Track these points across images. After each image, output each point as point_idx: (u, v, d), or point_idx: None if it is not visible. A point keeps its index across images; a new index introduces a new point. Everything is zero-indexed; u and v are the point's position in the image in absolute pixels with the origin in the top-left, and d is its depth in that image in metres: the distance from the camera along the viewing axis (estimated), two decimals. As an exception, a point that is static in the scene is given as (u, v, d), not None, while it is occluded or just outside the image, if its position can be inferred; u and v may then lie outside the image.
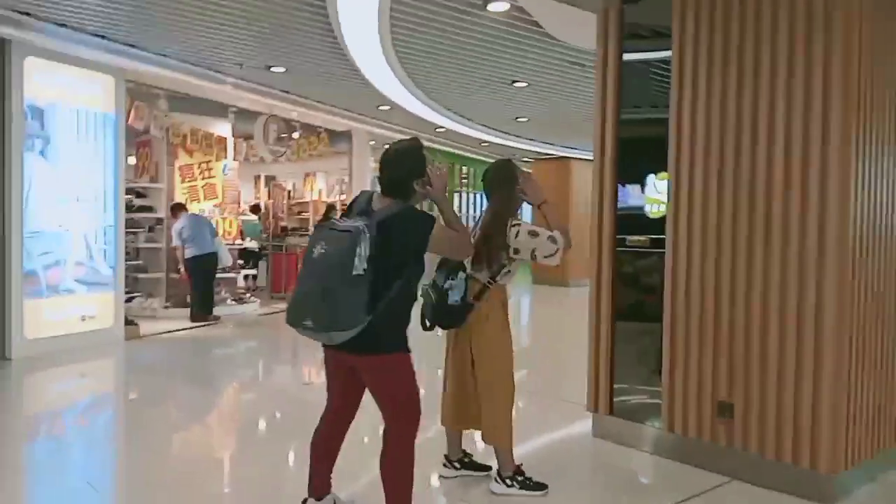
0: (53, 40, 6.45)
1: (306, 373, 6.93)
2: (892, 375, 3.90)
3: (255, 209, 13.15)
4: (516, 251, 3.45)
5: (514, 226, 3.45)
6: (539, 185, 3.62)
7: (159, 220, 9.80)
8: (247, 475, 4.01)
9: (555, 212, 3.58)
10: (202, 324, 8.92)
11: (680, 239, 4.02)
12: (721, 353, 3.84)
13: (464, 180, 17.54)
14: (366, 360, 2.82)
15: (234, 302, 10.10)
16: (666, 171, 4.11)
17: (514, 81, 8.20)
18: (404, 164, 2.88)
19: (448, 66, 7.52)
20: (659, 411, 4.11)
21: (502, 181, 3.58)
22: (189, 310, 9.13)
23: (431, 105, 9.82)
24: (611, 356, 4.38)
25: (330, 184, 13.98)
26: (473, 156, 15.96)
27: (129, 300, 8.94)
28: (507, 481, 3.52)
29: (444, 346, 3.72)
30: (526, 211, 5.17)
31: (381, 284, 2.69)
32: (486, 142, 13.79)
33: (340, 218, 2.93)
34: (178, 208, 9.34)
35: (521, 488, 3.51)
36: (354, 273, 2.58)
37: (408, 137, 3.04)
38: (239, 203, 11.41)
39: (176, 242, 9.04)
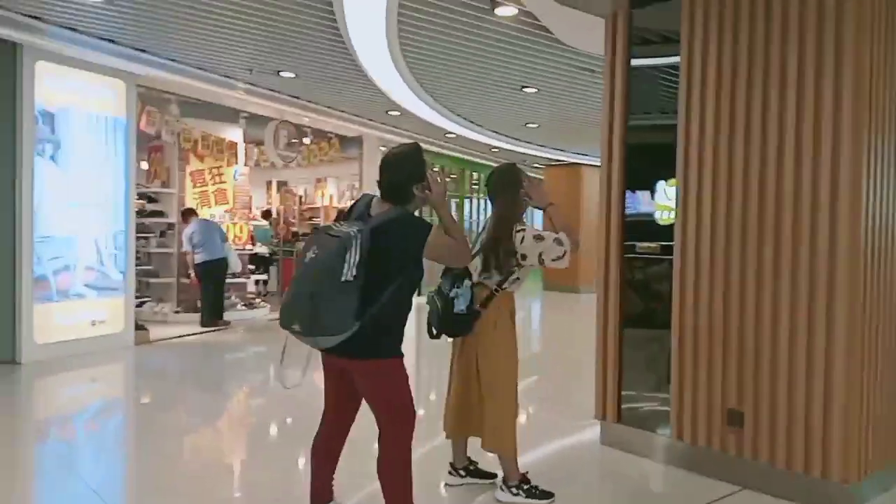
0: (64, 45, 6.49)
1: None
2: (905, 384, 3.84)
3: (266, 215, 13.20)
4: (524, 257, 3.42)
5: (518, 231, 3.42)
6: (544, 188, 3.60)
7: (170, 225, 9.85)
8: (257, 479, 4.00)
9: (560, 214, 3.56)
10: (212, 328, 8.95)
11: (688, 245, 3.98)
12: (730, 361, 3.79)
13: (474, 186, 17.53)
14: (358, 364, 2.80)
15: (244, 307, 10.12)
16: (675, 177, 4.07)
17: (524, 87, 8.17)
18: (404, 169, 2.86)
19: (457, 71, 7.50)
20: (668, 419, 4.07)
21: (506, 185, 3.55)
22: (199, 315, 9.16)
23: (440, 110, 9.81)
24: (619, 364, 4.34)
25: (341, 189, 14.01)
26: (484, 161, 15.94)
27: (140, 305, 8.99)
28: (513, 489, 3.49)
29: (451, 352, 3.69)
30: (537, 218, 5.14)
31: (373, 290, 2.67)
32: (496, 148, 13.75)
33: (339, 222, 2.92)
34: (188, 213, 9.39)
35: (526, 496, 3.48)
36: (343, 279, 2.57)
37: (409, 142, 3.02)
38: (250, 208, 11.45)
39: (186, 247, 9.08)
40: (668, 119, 4.09)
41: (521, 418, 5.12)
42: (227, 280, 9.51)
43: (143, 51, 6.94)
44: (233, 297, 9.97)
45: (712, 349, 3.86)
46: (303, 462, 4.11)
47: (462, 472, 3.70)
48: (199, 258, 8.96)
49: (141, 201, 10.02)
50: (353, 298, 2.60)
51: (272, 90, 8.65)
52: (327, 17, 5.73)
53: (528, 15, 5.49)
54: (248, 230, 10.76)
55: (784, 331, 3.58)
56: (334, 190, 14.18)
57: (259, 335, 9.05)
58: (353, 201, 3.19)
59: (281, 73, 7.68)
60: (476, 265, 3.50)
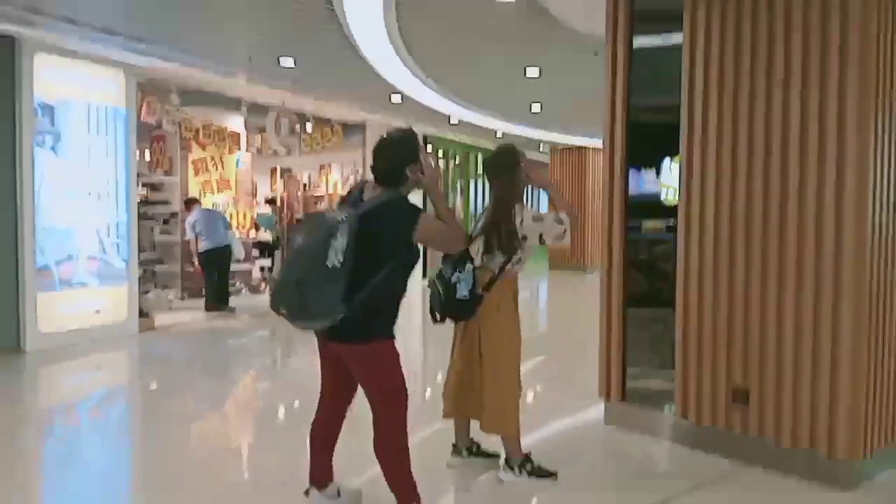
0: (62, 36, 6.46)
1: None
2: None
3: (270, 202, 13.17)
4: (524, 237, 3.40)
5: (517, 213, 3.39)
6: (541, 170, 3.56)
7: (174, 214, 9.87)
8: (264, 463, 4.01)
9: (559, 194, 3.55)
10: (217, 315, 8.97)
11: (692, 223, 3.93)
12: (735, 339, 3.76)
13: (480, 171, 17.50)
14: (350, 348, 2.81)
15: (249, 293, 10.14)
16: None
17: (527, 69, 8.09)
18: (397, 152, 2.84)
19: (457, 53, 7.42)
20: (672, 398, 4.04)
21: (503, 167, 3.52)
22: (203, 301, 9.18)
23: (443, 94, 9.73)
24: (623, 343, 4.31)
25: (344, 176, 13.97)
26: (489, 146, 15.88)
27: (144, 292, 9.02)
28: (516, 469, 3.48)
29: (453, 333, 3.66)
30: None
31: (364, 274, 2.66)
32: (501, 132, 13.67)
33: (334, 208, 2.90)
34: (191, 202, 9.40)
35: (529, 476, 3.47)
36: (329, 265, 2.57)
37: (404, 126, 3.00)
38: (253, 195, 11.44)
39: (189, 235, 9.11)
40: (672, 98, 4.02)
41: (526, 398, 5.13)
42: (232, 267, 9.52)
43: (141, 41, 6.89)
44: (237, 284, 9.98)
45: (717, 327, 3.83)
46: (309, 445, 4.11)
47: (464, 453, 3.69)
48: (202, 246, 8.98)
49: (143, 192, 10.04)
50: (340, 284, 2.60)
51: (272, 77, 8.59)
52: (324, 2, 5.67)
53: (527, -6, 5.42)
54: (251, 217, 10.76)
55: (790, 307, 3.54)
56: (338, 176, 14.13)
57: (263, 320, 9.04)
58: (350, 187, 3.16)
59: (280, 61, 7.62)
60: (477, 248, 3.47)
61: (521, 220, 3.38)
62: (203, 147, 10.01)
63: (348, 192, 3.04)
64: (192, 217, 9.09)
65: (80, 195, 7.04)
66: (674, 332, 4.02)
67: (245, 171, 10.76)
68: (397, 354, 2.84)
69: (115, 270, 7.41)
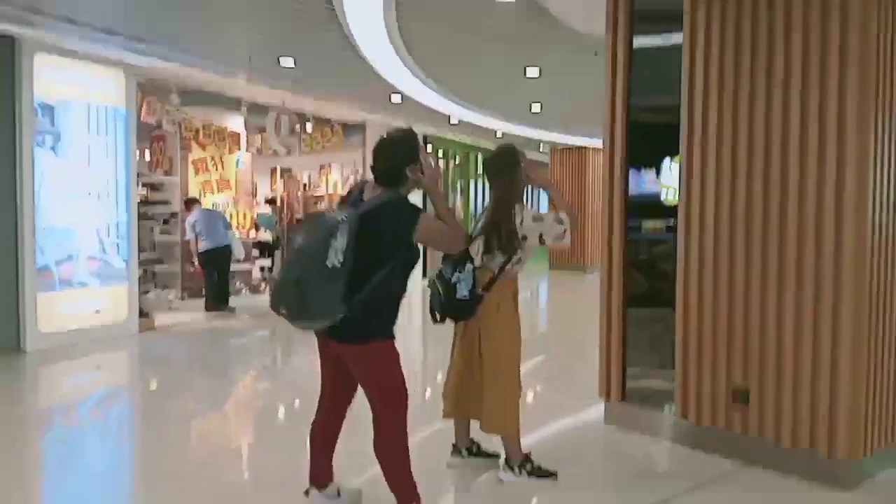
0: (62, 36, 6.46)
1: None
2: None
3: (270, 202, 13.17)
4: (524, 237, 3.40)
5: (517, 213, 3.39)
6: (541, 169, 3.56)
7: (174, 214, 9.86)
8: (265, 463, 4.01)
9: (559, 193, 3.55)
10: (217, 315, 8.97)
11: (692, 223, 3.93)
12: (735, 339, 3.75)
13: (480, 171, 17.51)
14: (350, 348, 2.81)
15: (249, 293, 10.14)
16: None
17: (527, 69, 8.09)
18: (397, 152, 2.84)
19: (456, 53, 7.42)
20: (672, 398, 4.04)
21: (503, 167, 3.52)
22: (203, 301, 9.18)
23: (443, 94, 9.73)
24: (622, 343, 4.31)
25: (344, 176, 13.96)
26: (490, 146, 15.87)
27: (145, 292, 9.02)
28: (516, 469, 3.48)
29: (453, 333, 3.66)
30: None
31: (363, 274, 2.67)
32: (501, 132, 13.66)
33: (335, 208, 2.90)
34: (191, 202, 9.40)
35: (529, 476, 3.46)
36: (329, 265, 2.57)
37: (404, 126, 3.00)
38: (253, 195, 11.44)
39: (189, 235, 9.10)
40: (672, 98, 4.02)
41: (526, 398, 5.12)
42: (232, 267, 9.52)
43: (141, 41, 6.89)
44: (238, 284, 9.98)
45: (717, 327, 3.82)
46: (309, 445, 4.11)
47: (464, 453, 3.69)
48: (202, 246, 8.98)
49: (143, 192, 10.03)
50: (339, 284, 2.60)
51: (272, 77, 8.59)
52: (324, 2, 5.66)
53: (527, -6, 5.42)
54: (251, 217, 10.75)
55: (790, 307, 3.54)
56: (338, 176, 14.13)
57: (263, 320, 9.03)
58: (350, 187, 3.16)
59: (280, 61, 7.62)
60: (477, 248, 3.47)
61: (521, 220, 3.38)
62: (203, 147, 10.01)
63: (348, 193, 3.04)
64: (192, 217, 9.09)
65: (80, 195, 7.04)
66: (674, 332, 4.01)
67: (245, 171, 10.75)
68: (397, 354, 2.84)
69: (115, 270, 7.41)
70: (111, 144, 7.35)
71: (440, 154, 15.34)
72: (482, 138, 15.07)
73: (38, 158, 6.61)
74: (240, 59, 7.62)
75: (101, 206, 7.27)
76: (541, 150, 16.35)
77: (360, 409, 3.02)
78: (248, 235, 10.51)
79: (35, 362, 6.36)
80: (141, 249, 8.42)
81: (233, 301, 9.39)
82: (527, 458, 3.50)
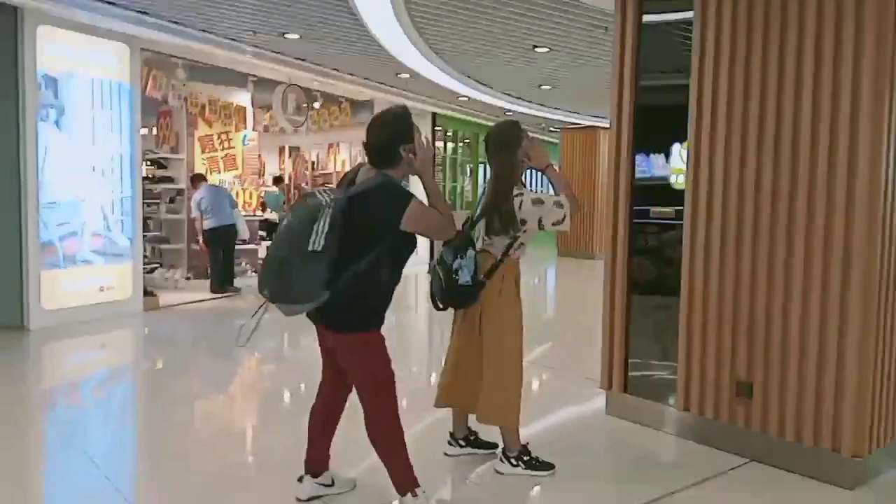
0: (65, 8, 6.37)
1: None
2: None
3: (277, 181, 13.12)
4: (523, 222, 3.29)
5: (517, 195, 3.29)
6: (543, 149, 3.45)
7: (180, 191, 9.80)
8: (269, 445, 3.99)
9: (560, 176, 3.44)
10: (222, 295, 8.94)
11: (699, 210, 3.83)
12: (740, 330, 3.67)
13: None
14: (337, 337, 2.78)
15: (254, 273, 10.09)
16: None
17: (536, 47, 7.94)
18: (391, 128, 2.76)
19: (464, 29, 7.28)
20: (674, 389, 3.96)
21: (503, 143, 3.40)
22: (209, 281, 9.15)
23: (450, 72, 9.59)
24: (625, 333, 4.23)
25: (353, 154, 13.88)
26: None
27: (150, 271, 9.00)
28: (513, 461, 3.42)
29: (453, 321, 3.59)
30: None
31: (348, 259, 2.61)
32: (510, 111, 13.51)
33: (325, 190, 2.83)
34: (197, 179, 9.31)
35: (526, 468, 3.41)
36: (311, 248, 2.51)
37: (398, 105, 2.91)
38: (260, 174, 11.36)
39: (195, 213, 9.03)
40: (684, 78, 3.89)
41: (531, 386, 5.08)
42: (238, 246, 9.47)
43: (144, 13, 6.80)
44: (243, 264, 9.94)
45: (721, 317, 3.74)
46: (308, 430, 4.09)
47: (462, 443, 3.63)
48: (207, 224, 8.90)
49: (152, 168, 9.99)
50: (321, 267, 2.55)
51: (277, 52, 8.48)
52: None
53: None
54: (257, 196, 10.69)
55: (796, 299, 3.44)
56: (346, 155, 14.05)
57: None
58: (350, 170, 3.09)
59: (285, 35, 7.51)
60: (478, 231, 3.38)
61: (521, 204, 3.28)
62: (209, 124, 9.92)
63: (344, 175, 2.98)
64: (198, 194, 9.00)
65: (84, 170, 6.99)
66: (677, 321, 3.93)
67: (252, 150, 10.66)
68: (383, 345, 2.79)
69: (120, 248, 7.38)
70: (116, 119, 7.29)
71: (448, 133, 15.21)
72: (491, 118, 14.93)
73: (42, 132, 6.55)
74: (243, 33, 7.52)
75: (106, 183, 7.23)
76: (551, 129, 16.17)
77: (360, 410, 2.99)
78: (254, 213, 10.45)
79: (38, 340, 6.36)
80: (146, 228, 8.38)
81: (238, 282, 9.35)
82: (525, 449, 3.44)
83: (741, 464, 3.61)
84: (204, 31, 7.45)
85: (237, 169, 10.33)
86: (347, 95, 11.19)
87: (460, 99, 12.32)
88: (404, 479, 2.83)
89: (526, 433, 3.54)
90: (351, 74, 10.00)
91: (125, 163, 7.41)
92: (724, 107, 3.70)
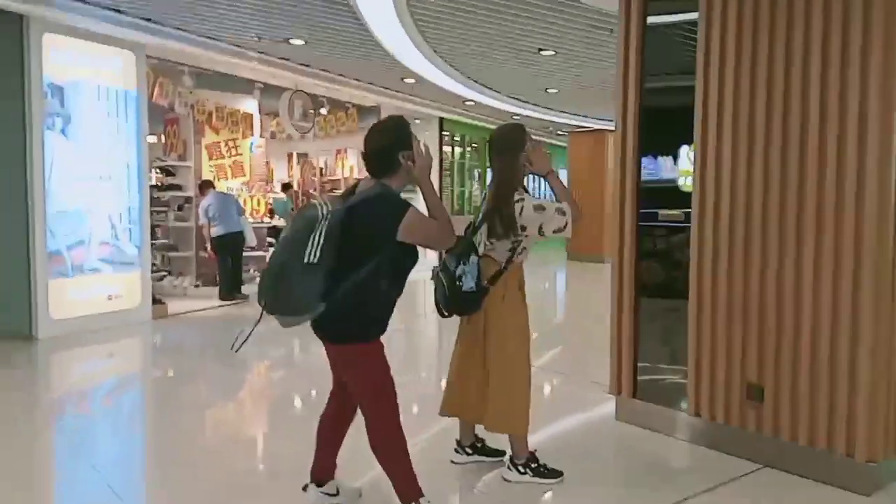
0: (71, 15, 6.39)
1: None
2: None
3: (286, 188, 13.13)
4: (523, 228, 3.25)
5: (518, 201, 3.25)
6: (546, 155, 3.41)
7: (188, 199, 9.81)
8: (279, 451, 3.97)
9: (561, 183, 3.40)
10: (231, 302, 8.93)
11: (707, 212, 3.78)
12: (751, 333, 3.61)
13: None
14: (334, 348, 2.78)
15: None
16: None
17: (541, 50, 7.91)
18: (391, 133, 2.75)
19: (469, 33, 7.26)
20: (685, 394, 3.91)
21: (506, 146, 3.36)
22: (218, 288, 9.14)
23: (456, 76, 9.57)
24: (634, 337, 4.17)
25: (361, 160, 13.86)
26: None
27: (159, 279, 9.00)
28: (521, 468, 3.37)
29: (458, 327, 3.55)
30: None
31: (345, 270, 2.59)
32: (517, 115, 13.47)
33: (326, 200, 2.81)
34: (205, 186, 9.32)
35: (534, 475, 3.36)
36: (307, 261, 2.50)
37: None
38: (268, 181, 11.36)
39: (202, 220, 9.03)
40: (690, 80, 3.85)
41: (542, 391, 5.03)
42: (246, 254, 9.47)
43: (149, 20, 6.81)
44: (252, 271, 9.93)
45: (731, 321, 3.68)
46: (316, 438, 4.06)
47: (468, 450, 3.59)
48: (215, 231, 8.91)
49: (160, 176, 10.00)
50: (317, 279, 2.54)
51: (283, 58, 8.48)
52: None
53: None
54: (265, 203, 10.68)
55: (807, 301, 3.39)
56: (355, 161, 14.04)
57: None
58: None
59: (290, 41, 7.51)
60: (480, 236, 3.35)
61: (522, 210, 3.23)
62: (216, 131, 9.94)
63: (346, 188, 2.97)
64: (205, 201, 9.01)
65: (92, 179, 7.00)
66: (687, 324, 3.88)
67: (259, 157, 10.67)
68: (382, 352, 2.76)
69: (128, 256, 7.39)
70: (122, 127, 7.30)
71: (455, 138, 15.19)
72: (498, 122, 14.90)
73: (48, 141, 6.57)
74: (248, 39, 7.52)
75: (113, 191, 7.24)
76: (559, 133, 16.12)
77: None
78: (262, 220, 10.45)
79: (47, 349, 6.37)
80: (154, 236, 8.39)
81: (247, 289, 9.34)
82: (533, 456, 3.40)
83: (754, 469, 3.55)
84: (208, 37, 7.46)
85: (245, 176, 10.33)
86: (354, 101, 11.19)
87: (466, 103, 12.30)
88: (408, 489, 2.80)
89: (534, 439, 3.50)
90: (357, 80, 10.00)
91: (132, 171, 7.42)
92: (731, 108, 3.65)
